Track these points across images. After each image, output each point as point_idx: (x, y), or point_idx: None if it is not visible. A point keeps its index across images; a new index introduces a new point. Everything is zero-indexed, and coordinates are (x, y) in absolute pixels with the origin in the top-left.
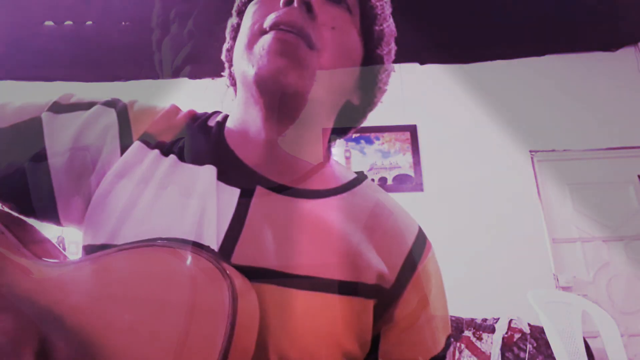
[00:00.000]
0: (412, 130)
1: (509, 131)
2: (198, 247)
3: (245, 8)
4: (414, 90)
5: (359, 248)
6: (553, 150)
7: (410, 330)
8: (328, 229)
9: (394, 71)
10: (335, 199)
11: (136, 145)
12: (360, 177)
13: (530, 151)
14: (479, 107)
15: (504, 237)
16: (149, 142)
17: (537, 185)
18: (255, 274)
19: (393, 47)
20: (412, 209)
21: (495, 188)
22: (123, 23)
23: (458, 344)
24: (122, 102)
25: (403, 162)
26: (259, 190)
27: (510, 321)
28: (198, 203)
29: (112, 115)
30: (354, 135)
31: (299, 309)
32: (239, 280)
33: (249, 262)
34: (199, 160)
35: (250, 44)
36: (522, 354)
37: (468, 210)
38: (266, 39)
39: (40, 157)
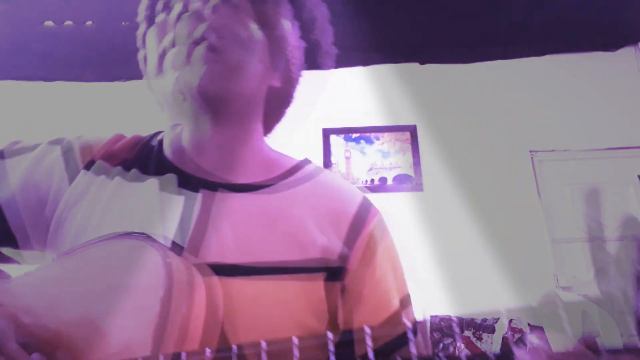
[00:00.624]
0: (412, 130)
1: (509, 131)
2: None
3: (150, 20)
4: (414, 90)
5: (304, 228)
6: (553, 150)
7: (361, 295)
8: (269, 216)
9: (305, 46)
10: (276, 187)
11: (82, 174)
12: (301, 163)
13: (530, 151)
14: (479, 107)
15: (504, 237)
16: (94, 169)
17: (537, 185)
18: (201, 270)
19: (293, 27)
20: (412, 209)
21: (495, 188)
22: (123, 23)
23: (458, 344)
24: (67, 139)
25: (403, 162)
26: (203, 193)
27: (510, 321)
28: (141, 216)
29: (57, 151)
30: (354, 135)
31: (245, 297)
32: (184, 265)
33: (213, 260)
34: (143, 177)
35: (157, 68)
36: None
37: (468, 210)
38: (170, 58)
39: None
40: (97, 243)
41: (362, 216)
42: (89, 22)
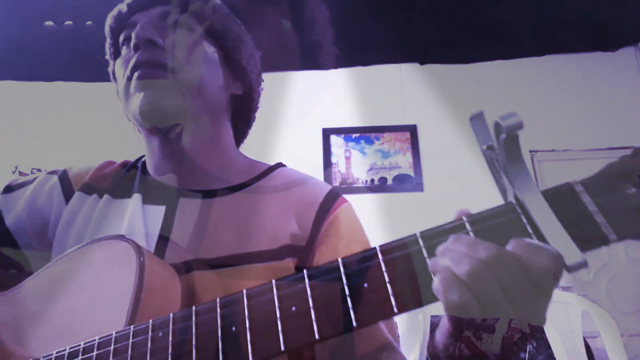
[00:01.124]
0: (412, 130)
1: None
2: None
3: (115, 55)
4: (414, 90)
5: (276, 219)
6: (553, 150)
7: None
8: (242, 215)
9: (260, 52)
10: (249, 189)
11: (76, 195)
12: (274, 166)
13: (530, 151)
14: (479, 107)
15: None
16: (87, 190)
17: (537, 185)
18: (184, 268)
19: (244, 35)
20: (412, 209)
21: (496, 188)
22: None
23: (458, 344)
24: (62, 169)
25: (403, 162)
26: (182, 201)
27: (510, 321)
28: (127, 226)
29: (54, 178)
30: (354, 135)
31: (222, 286)
32: (158, 264)
33: (178, 260)
34: (128, 193)
35: (125, 95)
36: (522, 354)
37: (468, 210)
38: (132, 84)
39: (2, 231)
40: (79, 247)
41: (328, 205)
42: (89, 22)
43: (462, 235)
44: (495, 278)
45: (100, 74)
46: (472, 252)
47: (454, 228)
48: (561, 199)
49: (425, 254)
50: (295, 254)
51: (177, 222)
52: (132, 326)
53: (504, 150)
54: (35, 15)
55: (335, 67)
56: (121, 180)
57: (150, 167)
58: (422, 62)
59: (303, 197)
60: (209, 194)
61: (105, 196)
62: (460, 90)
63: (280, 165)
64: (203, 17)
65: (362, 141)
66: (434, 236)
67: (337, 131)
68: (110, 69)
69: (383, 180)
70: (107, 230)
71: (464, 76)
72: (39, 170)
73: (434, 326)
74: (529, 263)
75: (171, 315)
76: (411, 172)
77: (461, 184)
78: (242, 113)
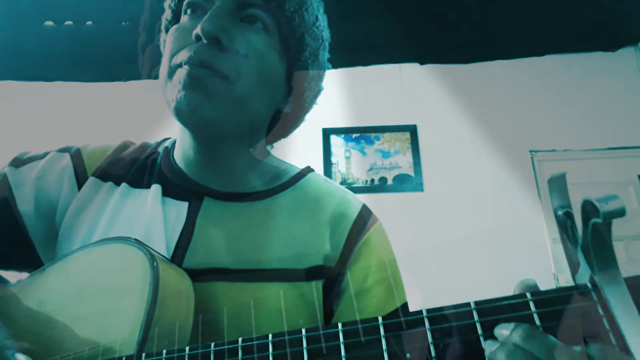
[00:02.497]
0: (412, 130)
1: (509, 131)
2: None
3: (170, 25)
4: (414, 90)
5: (303, 237)
6: (553, 150)
7: (354, 300)
8: (273, 225)
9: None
10: (279, 196)
11: (90, 180)
12: (303, 172)
13: (530, 151)
14: (479, 107)
15: (504, 237)
16: (103, 176)
17: (537, 185)
18: (205, 275)
19: (321, 53)
20: (412, 209)
21: (496, 188)
22: (123, 23)
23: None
24: (75, 147)
25: (403, 162)
26: (207, 200)
27: None
28: (146, 221)
29: (66, 158)
30: (354, 135)
31: (247, 301)
32: (172, 274)
33: (199, 265)
34: (147, 184)
35: (168, 76)
36: None
37: (468, 210)
38: (181, 74)
39: (11, 209)
40: (88, 247)
41: (361, 225)
42: (89, 22)
43: (535, 331)
44: None
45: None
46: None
47: (515, 305)
48: None
49: (479, 331)
50: (323, 275)
51: (200, 221)
52: (144, 354)
53: (590, 235)
54: (35, 15)
55: (335, 67)
56: (140, 167)
57: (178, 155)
58: (422, 62)
59: (335, 213)
60: (236, 197)
61: (123, 184)
62: (460, 90)
63: (309, 169)
64: (287, 21)
65: (362, 141)
66: (492, 312)
67: (337, 131)
68: (163, 25)
69: (383, 180)
70: (123, 223)
71: (464, 76)
72: None
73: None
74: None
75: (187, 349)
76: (411, 172)
77: (461, 184)
78: (281, 127)
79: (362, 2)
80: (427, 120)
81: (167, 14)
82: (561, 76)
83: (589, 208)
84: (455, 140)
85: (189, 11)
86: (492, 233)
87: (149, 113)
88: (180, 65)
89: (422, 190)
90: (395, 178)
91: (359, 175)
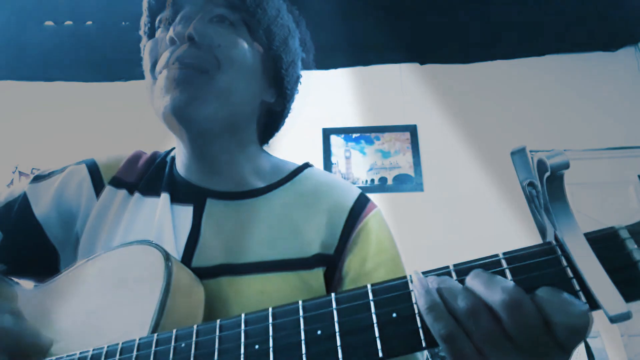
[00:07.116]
0: (412, 130)
1: (509, 131)
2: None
3: (150, 32)
4: (414, 90)
5: (307, 225)
6: (553, 151)
7: (355, 284)
8: (274, 218)
9: (304, 65)
10: (279, 190)
11: (107, 189)
12: (302, 166)
13: (530, 151)
14: (479, 107)
15: (504, 237)
16: (117, 184)
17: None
18: (212, 272)
19: (290, 41)
20: (412, 209)
21: (496, 188)
22: (123, 23)
23: None
24: (91, 158)
25: (403, 162)
26: (209, 202)
27: None
28: (157, 228)
29: (83, 169)
30: (354, 135)
31: (253, 292)
32: (184, 271)
33: (206, 263)
34: (157, 192)
35: (152, 86)
36: None
37: (468, 210)
38: (162, 80)
39: (33, 223)
40: (115, 248)
41: (358, 211)
42: (89, 22)
43: (479, 272)
44: (510, 322)
45: (100, 74)
46: (488, 292)
47: (489, 264)
48: (604, 244)
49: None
50: (324, 263)
51: (205, 223)
52: (155, 334)
53: (546, 189)
54: (35, 15)
55: (335, 67)
56: (150, 176)
57: (178, 163)
58: (422, 62)
59: (333, 202)
60: (236, 196)
61: (136, 194)
62: (460, 90)
63: (307, 165)
64: (251, 14)
65: (362, 141)
66: (468, 271)
67: (337, 131)
68: (142, 44)
69: (383, 180)
70: (138, 231)
71: (464, 76)
72: (38, 170)
73: None
74: (555, 317)
75: (195, 327)
76: (411, 172)
77: (461, 184)
78: (271, 118)
79: (362, 2)
80: (427, 120)
81: (145, 18)
82: (561, 76)
83: (540, 166)
84: (455, 140)
85: (161, 26)
86: (492, 233)
87: (149, 113)
88: (160, 72)
89: (422, 190)
90: (395, 178)
91: (359, 175)
